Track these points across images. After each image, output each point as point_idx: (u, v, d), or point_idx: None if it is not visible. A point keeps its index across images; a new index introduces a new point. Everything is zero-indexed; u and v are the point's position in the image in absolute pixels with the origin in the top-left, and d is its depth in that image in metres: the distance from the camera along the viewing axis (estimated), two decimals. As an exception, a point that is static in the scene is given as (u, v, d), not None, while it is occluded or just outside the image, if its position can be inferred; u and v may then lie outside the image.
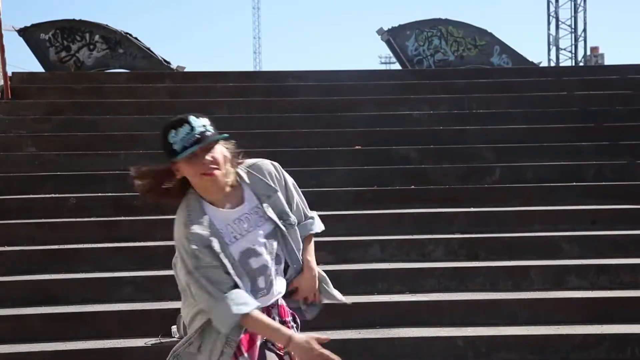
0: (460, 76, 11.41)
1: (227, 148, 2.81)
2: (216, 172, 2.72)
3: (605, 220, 7.17)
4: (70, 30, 14.36)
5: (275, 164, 2.98)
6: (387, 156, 8.54)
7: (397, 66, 18.66)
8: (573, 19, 26.54)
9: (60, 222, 7.24)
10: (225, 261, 2.73)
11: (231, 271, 2.73)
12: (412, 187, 7.90)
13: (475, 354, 5.53)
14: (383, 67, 42.60)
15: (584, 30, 26.40)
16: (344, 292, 6.60)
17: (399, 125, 9.29)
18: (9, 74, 10.55)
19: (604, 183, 7.95)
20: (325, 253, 6.63)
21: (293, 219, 2.92)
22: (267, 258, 2.82)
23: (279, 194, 2.91)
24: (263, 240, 2.83)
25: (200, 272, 2.72)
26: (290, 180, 2.99)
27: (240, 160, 2.89)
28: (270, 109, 9.79)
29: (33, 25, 14.32)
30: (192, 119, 2.73)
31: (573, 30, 26.55)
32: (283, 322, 2.90)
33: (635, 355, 5.50)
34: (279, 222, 2.87)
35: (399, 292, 6.18)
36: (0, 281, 6.28)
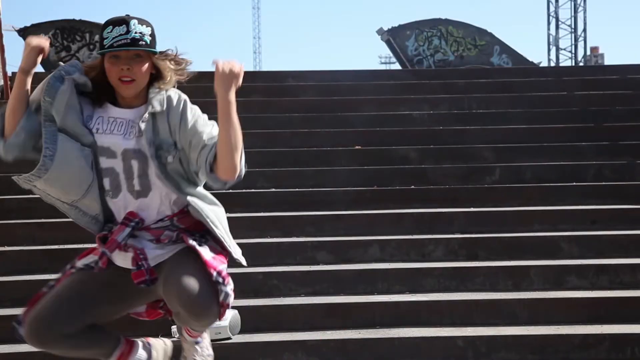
0: (460, 76, 11.41)
1: (163, 62, 2.87)
2: (130, 83, 2.78)
3: (605, 220, 7.17)
4: (70, 30, 14.37)
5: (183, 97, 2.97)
6: (387, 156, 8.53)
7: (397, 66, 18.69)
8: (573, 19, 26.58)
9: (60, 222, 7.22)
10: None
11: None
12: (412, 187, 7.90)
13: (475, 354, 5.53)
14: (383, 67, 42.65)
15: (584, 30, 26.45)
16: (344, 292, 6.62)
17: (399, 125, 9.29)
18: (9, 74, 10.54)
19: (604, 183, 7.95)
20: (324, 253, 6.64)
21: (170, 158, 2.87)
22: (119, 166, 2.84)
23: (169, 120, 2.87)
24: (123, 149, 2.83)
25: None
26: (192, 115, 2.94)
27: (180, 77, 2.96)
28: (270, 109, 9.79)
29: (33, 25, 14.32)
30: (133, 22, 2.81)
31: (573, 30, 26.59)
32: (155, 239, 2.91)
33: (635, 355, 5.50)
34: (147, 150, 2.84)
35: (399, 292, 6.18)
36: (0, 281, 6.28)
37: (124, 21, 2.78)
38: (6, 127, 2.80)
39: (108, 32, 2.76)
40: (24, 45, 2.79)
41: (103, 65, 2.80)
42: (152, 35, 2.82)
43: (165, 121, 2.85)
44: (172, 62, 2.90)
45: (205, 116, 2.98)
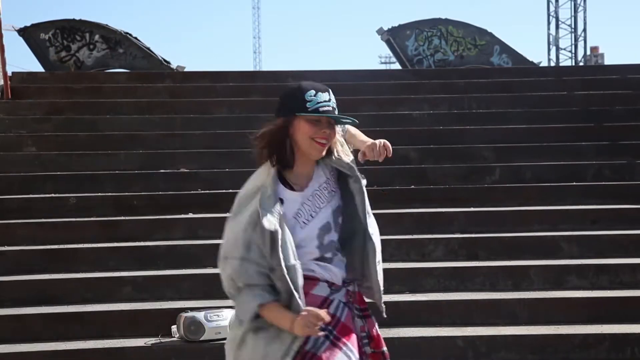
0: (460, 76, 11.41)
1: (342, 132, 3.02)
2: (324, 145, 2.86)
3: (605, 220, 7.17)
4: (70, 30, 14.36)
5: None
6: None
7: (397, 66, 18.67)
8: (573, 18, 26.56)
9: (60, 222, 7.24)
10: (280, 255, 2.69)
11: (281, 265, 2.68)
12: (412, 187, 7.90)
13: (475, 353, 5.53)
14: (383, 67, 42.59)
15: (584, 30, 26.42)
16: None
17: (399, 125, 9.29)
18: (9, 73, 10.55)
19: (603, 183, 7.95)
20: (325, 253, 6.64)
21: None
22: (335, 234, 2.89)
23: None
24: (331, 215, 2.90)
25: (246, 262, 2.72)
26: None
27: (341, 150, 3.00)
28: (270, 109, 9.76)
29: (33, 25, 14.32)
30: (331, 92, 2.93)
31: (573, 30, 26.57)
32: (362, 309, 2.94)
33: (635, 355, 5.50)
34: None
35: (399, 292, 6.18)
36: (0, 281, 6.28)
37: (326, 89, 2.93)
38: None
39: (311, 96, 2.88)
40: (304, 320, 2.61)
41: (286, 127, 2.93)
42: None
43: None
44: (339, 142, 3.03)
45: None
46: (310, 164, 2.93)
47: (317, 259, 2.82)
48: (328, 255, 2.85)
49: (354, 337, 2.81)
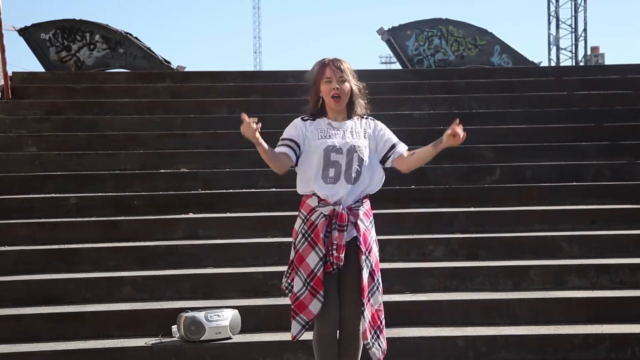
0: (460, 76, 11.40)
1: (358, 88, 4.59)
2: (339, 99, 4.41)
3: (605, 220, 7.17)
4: (71, 30, 14.36)
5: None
6: (387, 156, 8.52)
7: (397, 66, 18.68)
8: (573, 18, 26.59)
9: (60, 222, 7.24)
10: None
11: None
12: (412, 187, 7.90)
13: (475, 353, 5.53)
14: (383, 66, 42.62)
15: (584, 30, 26.45)
16: (344, 292, 6.53)
17: (399, 125, 9.25)
18: (9, 73, 10.55)
19: (604, 183, 7.95)
20: (325, 253, 6.63)
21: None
22: (342, 161, 4.22)
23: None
24: (343, 146, 4.26)
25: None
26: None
27: (365, 102, 4.67)
28: (270, 108, 9.78)
29: (33, 25, 14.32)
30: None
31: (573, 30, 26.59)
32: (340, 225, 4.11)
33: (635, 355, 5.50)
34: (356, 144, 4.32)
35: (399, 292, 6.18)
36: (0, 281, 6.28)
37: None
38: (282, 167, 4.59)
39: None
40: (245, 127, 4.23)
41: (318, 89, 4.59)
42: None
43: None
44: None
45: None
46: (342, 112, 4.51)
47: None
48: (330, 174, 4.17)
49: (321, 238, 4.07)
